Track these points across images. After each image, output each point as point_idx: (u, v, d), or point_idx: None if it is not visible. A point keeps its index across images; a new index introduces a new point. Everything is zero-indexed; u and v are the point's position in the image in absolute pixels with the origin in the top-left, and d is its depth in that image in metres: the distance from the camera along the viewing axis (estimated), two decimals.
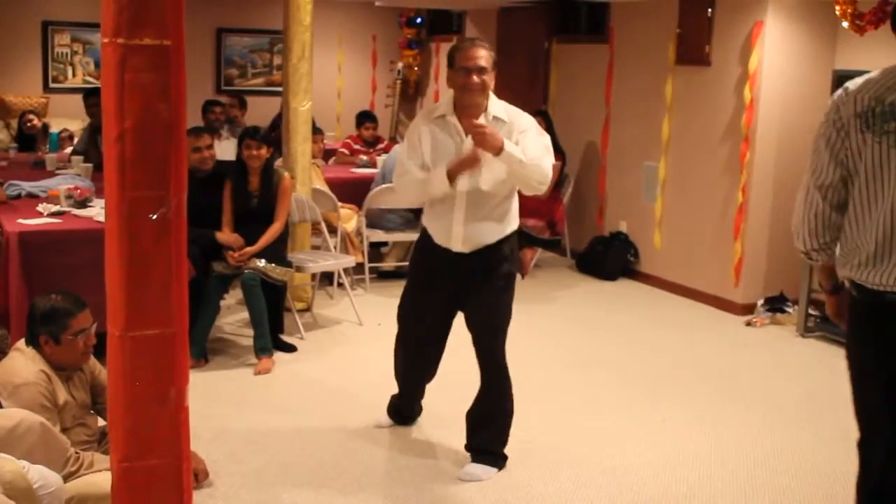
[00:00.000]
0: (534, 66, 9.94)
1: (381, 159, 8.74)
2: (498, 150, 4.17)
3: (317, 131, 8.09)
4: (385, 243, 8.42)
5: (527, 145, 4.29)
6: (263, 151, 6.10)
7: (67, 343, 3.71)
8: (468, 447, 4.68)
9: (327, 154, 9.36)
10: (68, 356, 3.75)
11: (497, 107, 4.38)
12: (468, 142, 4.28)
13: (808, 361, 6.53)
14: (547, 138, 4.42)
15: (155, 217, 2.17)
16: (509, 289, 4.56)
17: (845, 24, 6.63)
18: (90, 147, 8.26)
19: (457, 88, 4.33)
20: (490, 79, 4.29)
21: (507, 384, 4.63)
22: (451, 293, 4.56)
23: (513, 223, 4.52)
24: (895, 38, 3.22)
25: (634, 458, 4.83)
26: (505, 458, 4.65)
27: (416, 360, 4.87)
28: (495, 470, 4.58)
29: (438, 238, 4.49)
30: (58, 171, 7.62)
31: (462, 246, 4.42)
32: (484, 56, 4.26)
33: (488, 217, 4.41)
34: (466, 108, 4.33)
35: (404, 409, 5.08)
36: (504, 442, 4.65)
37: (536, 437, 5.01)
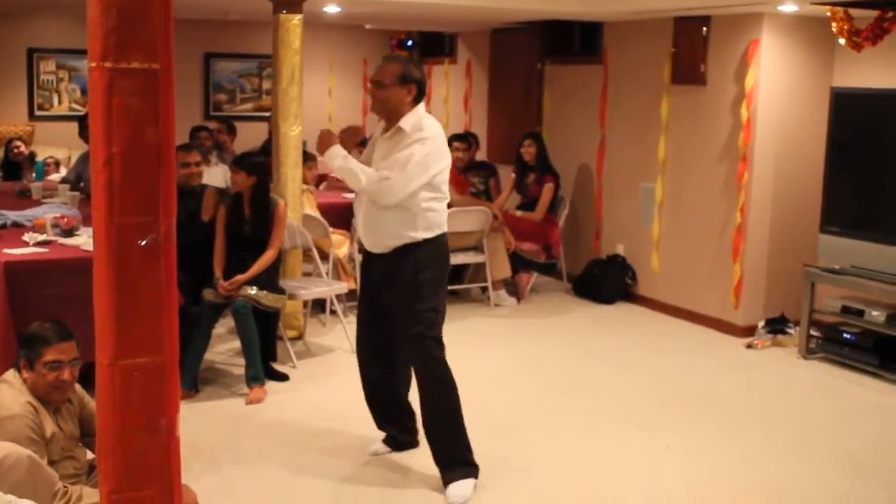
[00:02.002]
0: (527, 87, 9.88)
1: None
2: (322, 153, 4.58)
3: (310, 157, 8.01)
4: None
5: (394, 159, 4.47)
6: (242, 177, 6.05)
7: (38, 371, 3.62)
8: (437, 462, 4.62)
9: (319, 179, 9.27)
10: (39, 385, 3.63)
11: (409, 119, 4.50)
12: (379, 144, 4.63)
13: (811, 383, 6.44)
14: (414, 158, 4.43)
15: (144, 243, 2.09)
16: (423, 295, 4.51)
17: (842, 41, 6.59)
18: (86, 172, 8.16)
19: None
20: (389, 92, 4.48)
21: (443, 387, 4.56)
22: (373, 296, 4.72)
23: (422, 231, 4.50)
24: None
25: (635, 486, 4.72)
26: (476, 465, 4.60)
27: (361, 364, 4.92)
28: (472, 480, 4.53)
29: (359, 234, 4.78)
30: (44, 200, 7.51)
31: (368, 244, 4.64)
32: (385, 71, 4.51)
33: (385, 216, 4.50)
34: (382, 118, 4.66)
35: (375, 422, 5.02)
36: (463, 449, 4.58)
37: (535, 466, 4.91)
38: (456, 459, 4.56)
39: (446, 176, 4.55)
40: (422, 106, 4.55)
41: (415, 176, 4.40)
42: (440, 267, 4.62)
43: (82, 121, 8.83)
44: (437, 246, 4.57)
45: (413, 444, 5.02)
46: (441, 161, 4.50)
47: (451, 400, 4.55)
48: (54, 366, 3.61)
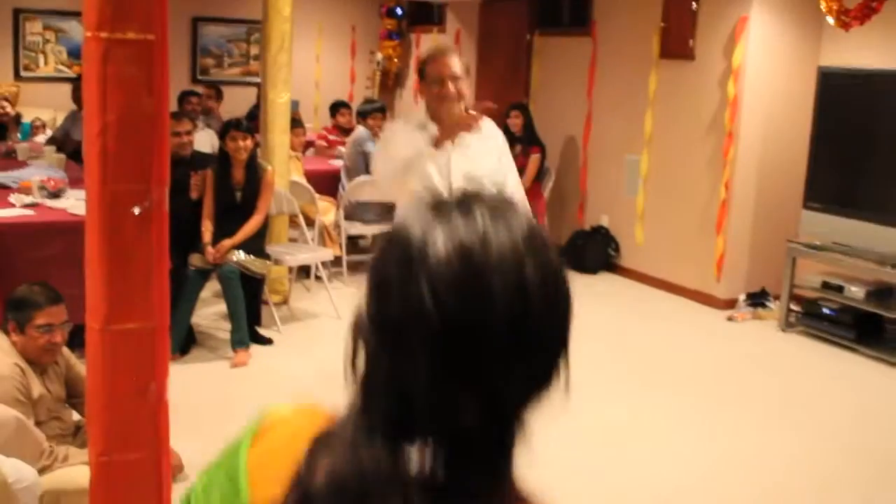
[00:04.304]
0: (515, 58, 9.87)
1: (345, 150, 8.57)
2: None
3: (298, 124, 8.00)
4: (363, 236, 8.33)
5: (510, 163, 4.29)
6: (249, 142, 6.05)
7: (29, 335, 3.65)
8: None
9: (306, 146, 9.27)
10: (29, 348, 3.67)
11: (468, 115, 4.23)
12: (459, 149, 4.12)
13: (789, 356, 6.52)
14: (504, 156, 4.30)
15: (137, 211, 2.11)
16: None
17: (831, 19, 6.60)
18: (72, 132, 8.16)
19: (432, 99, 4.14)
20: (465, 86, 4.14)
21: None
22: None
23: None
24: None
25: (618, 456, 4.78)
26: None
27: None
28: None
29: None
30: (29, 162, 7.49)
31: None
32: (457, 63, 4.11)
33: None
34: (443, 118, 4.14)
35: None
36: None
37: None
38: None
39: None
40: None
41: None
42: None
43: (76, 82, 8.78)
44: None
45: None
46: None
47: None
48: (46, 329, 3.64)
